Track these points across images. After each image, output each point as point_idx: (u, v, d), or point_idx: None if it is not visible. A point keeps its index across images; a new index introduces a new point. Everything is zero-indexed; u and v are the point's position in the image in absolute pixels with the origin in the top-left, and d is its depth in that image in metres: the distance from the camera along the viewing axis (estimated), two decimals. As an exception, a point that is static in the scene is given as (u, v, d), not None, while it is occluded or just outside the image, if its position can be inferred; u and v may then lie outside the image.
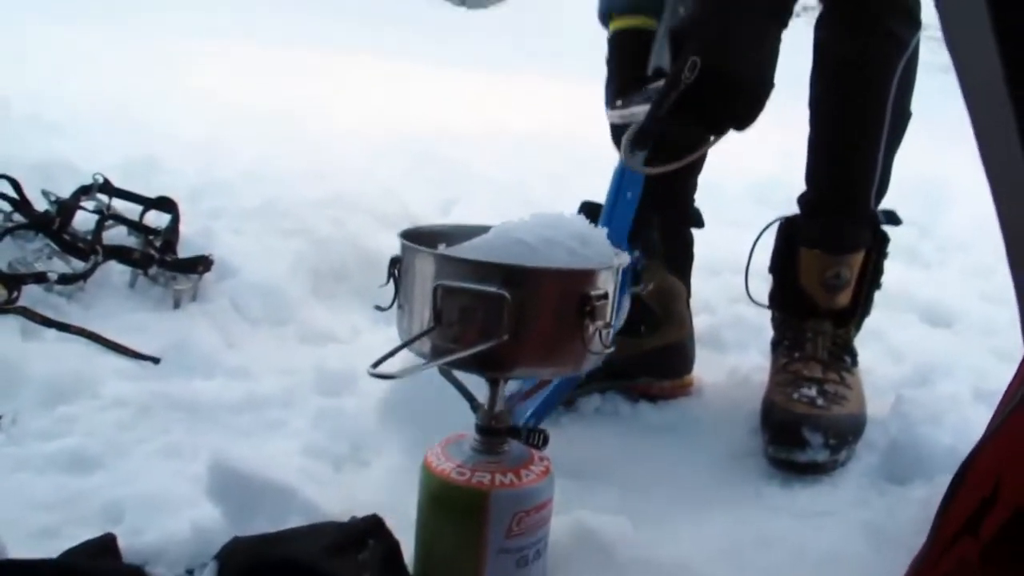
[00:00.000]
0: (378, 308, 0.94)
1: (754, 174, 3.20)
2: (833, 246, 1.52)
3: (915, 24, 1.49)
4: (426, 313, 0.86)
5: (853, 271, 1.54)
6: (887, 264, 1.61)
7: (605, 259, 0.90)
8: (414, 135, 3.54)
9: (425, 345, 0.88)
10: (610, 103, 1.44)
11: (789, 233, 1.59)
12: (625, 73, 1.43)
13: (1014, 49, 0.74)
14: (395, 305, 0.93)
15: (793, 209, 1.62)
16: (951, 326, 2.21)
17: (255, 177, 2.55)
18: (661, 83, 1.23)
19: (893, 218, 1.59)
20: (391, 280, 0.92)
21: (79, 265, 1.74)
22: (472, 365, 0.88)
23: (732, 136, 1.21)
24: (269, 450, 1.28)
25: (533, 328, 0.86)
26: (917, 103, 1.54)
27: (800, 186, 1.62)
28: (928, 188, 3.22)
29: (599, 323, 0.87)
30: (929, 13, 1.49)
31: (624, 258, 0.92)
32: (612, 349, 0.90)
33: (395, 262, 0.93)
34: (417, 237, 0.93)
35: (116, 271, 1.78)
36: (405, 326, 0.92)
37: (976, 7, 0.74)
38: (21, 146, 2.36)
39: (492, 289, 0.83)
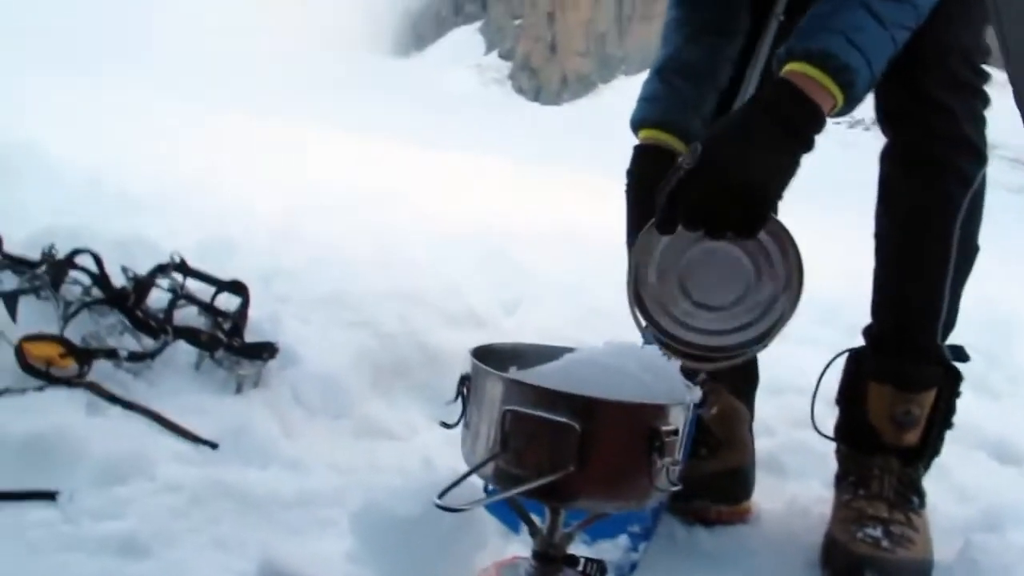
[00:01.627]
0: (444, 425, 0.94)
1: (820, 293, 3.15)
2: (904, 383, 1.49)
3: (981, 159, 1.47)
4: (492, 436, 0.86)
5: (924, 409, 1.49)
6: (956, 398, 1.56)
7: (677, 394, 0.89)
8: (483, 231, 3.58)
9: (488, 468, 0.87)
10: (630, 223, 1.45)
11: (858, 365, 1.55)
12: (642, 190, 1.40)
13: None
14: (461, 423, 0.93)
15: (859, 330, 1.59)
16: (1021, 464, 2.13)
17: (324, 264, 2.60)
18: None
19: (960, 354, 1.55)
20: (459, 398, 0.92)
21: (149, 343, 1.77)
22: (535, 494, 0.86)
23: None
24: (317, 550, 1.27)
25: (600, 461, 0.84)
26: (985, 225, 1.51)
27: (867, 308, 1.59)
28: (998, 315, 3.13)
29: (667, 459, 0.85)
30: (994, 133, 1.47)
31: (696, 394, 0.91)
32: (679, 487, 0.88)
33: (464, 380, 0.92)
34: (488, 355, 0.93)
35: (183, 351, 1.80)
36: (469, 446, 0.91)
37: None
38: (107, 221, 2.43)
39: (562, 419, 0.82)
